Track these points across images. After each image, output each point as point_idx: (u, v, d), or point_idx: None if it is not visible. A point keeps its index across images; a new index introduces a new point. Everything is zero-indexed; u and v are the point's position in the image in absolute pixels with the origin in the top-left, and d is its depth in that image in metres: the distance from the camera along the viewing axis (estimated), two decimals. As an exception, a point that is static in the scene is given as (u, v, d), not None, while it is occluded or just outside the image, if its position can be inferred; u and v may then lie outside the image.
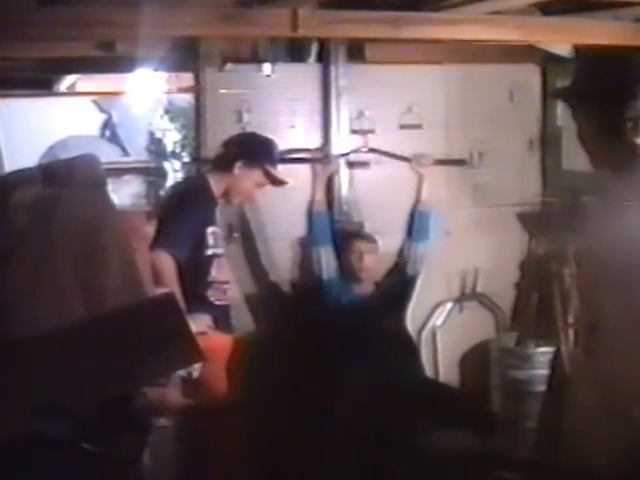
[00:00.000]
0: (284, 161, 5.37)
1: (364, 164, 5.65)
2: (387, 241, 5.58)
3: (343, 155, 5.64)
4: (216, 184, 5.02)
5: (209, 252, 4.91)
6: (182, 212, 4.86)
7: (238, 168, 4.99)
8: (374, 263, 5.41)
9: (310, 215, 5.46)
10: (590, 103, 2.75)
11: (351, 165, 5.66)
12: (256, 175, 5.02)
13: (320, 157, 5.54)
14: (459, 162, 5.71)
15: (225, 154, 5.14)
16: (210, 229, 4.92)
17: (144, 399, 3.10)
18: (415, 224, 5.54)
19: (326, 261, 5.39)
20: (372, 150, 5.66)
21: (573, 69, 2.95)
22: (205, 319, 4.73)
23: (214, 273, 4.92)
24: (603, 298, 2.60)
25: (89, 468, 2.73)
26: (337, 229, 5.58)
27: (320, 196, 5.49)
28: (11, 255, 2.83)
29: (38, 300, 2.81)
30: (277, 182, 5.08)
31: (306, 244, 5.49)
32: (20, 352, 2.67)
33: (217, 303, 4.94)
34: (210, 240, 4.91)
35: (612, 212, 2.62)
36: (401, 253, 5.56)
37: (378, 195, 5.68)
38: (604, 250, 2.59)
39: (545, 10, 5.42)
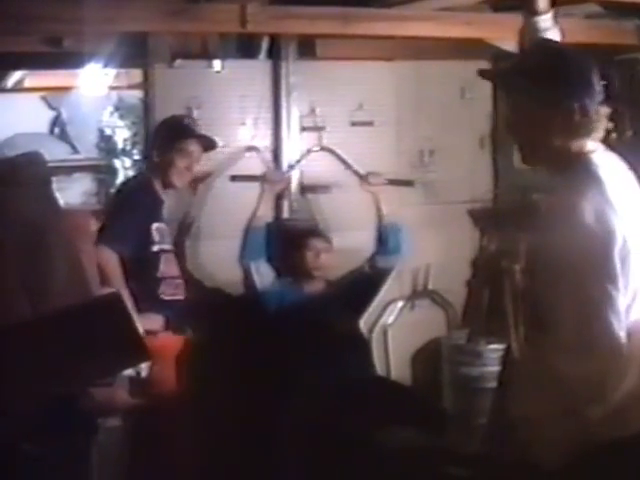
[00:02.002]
0: (235, 179, 5.43)
1: (323, 188, 5.65)
2: (345, 240, 5.56)
3: (295, 164, 5.62)
4: (156, 179, 4.99)
5: (155, 248, 4.88)
6: (124, 209, 4.88)
7: (159, 155, 4.99)
8: (329, 261, 5.39)
9: (247, 230, 5.41)
10: (523, 96, 2.74)
11: (307, 188, 5.67)
12: (181, 151, 4.96)
13: (270, 178, 5.49)
14: (408, 183, 5.66)
15: (150, 148, 5.18)
16: (155, 225, 4.89)
17: (90, 399, 3.07)
18: (384, 239, 5.50)
19: (258, 275, 5.35)
20: (324, 148, 5.64)
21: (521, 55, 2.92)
22: (157, 319, 4.71)
23: (163, 268, 4.89)
24: (551, 296, 2.60)
25: (31, 469, 2.70)
26: (291, 227, 5.55)
27: (262, 212, 5.45)
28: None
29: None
30: (205, 147, 5.05)
31: (239, 258, 5.42)
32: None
33: (170, 298, 4.89)
34: (156, 236, 4.87)
35: (557, 210, 2.62)
36: (369, 260, 5.53)
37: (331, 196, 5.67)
38: (551, 247, 2.59)
39: (495, 7, 5.44)
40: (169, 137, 5.02)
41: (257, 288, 5.36)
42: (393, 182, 5.59)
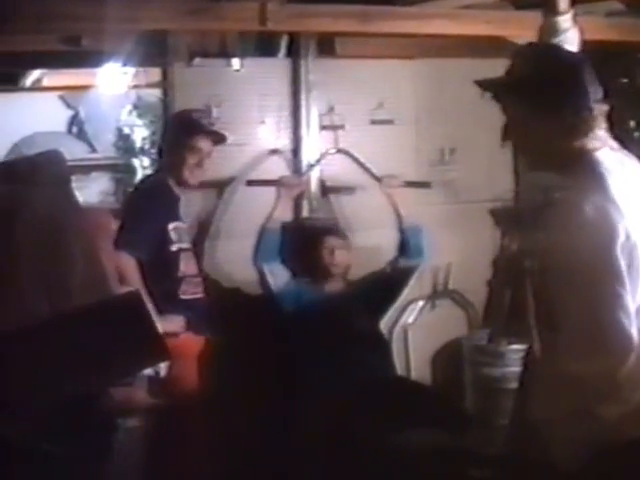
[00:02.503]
0: (251, 184, 5.42)
1: (343, 188, 5.64)
2: (367, 240, 5.57)
3: (311, 166, 5.60)
4: (170, 177, 4.97)
5: (174, 248, 4.85)
6: (140, 211, 4.85)
7: (169, 152, 5.00)
8: (346, 259, 5.36)
9: (261, 232, 5.38)
10: (527, 99, 2.72)
11: (327, 189, 5.65)
12: (191, 148, 4.93)
13: (287, 182, 5.47)
14: (425, 184, 5.63)
15: (161, 146, 5.20)
16: (171, 225, 4.86)
17: (109, 398, 3.06)
18: (405, 242, 5.48)
19: (272, 276, 5.32)
20: (340, 151, 5.62)
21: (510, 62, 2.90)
22: (178, 320, 4.69)
23: (182, 268, 4.87)
24: (561, 295, 2.58)
25: (52, 469, 2.69)
26: (306, 225, 5.54)
27: (277, 215, 5.42)
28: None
29: (1, 299, 2.77)
30: (215, 141, 5.03)
31: (252, 259, 5.39)
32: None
33: (190, 297, 4.87)
34: (173, 236, 4.85)
35: (559, 209, 2.60)
36: (391, 262, 5.50)
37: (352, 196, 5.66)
38: (557, 247, 2.57)
39: (516, 5, 5.41)
40: (178, 134, 5.01)
41: (272, 289, 5.33)
42: (410, 184, 5.56)
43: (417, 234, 5.47)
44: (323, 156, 5.61)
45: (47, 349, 2.66)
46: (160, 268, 4.77)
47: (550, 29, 3.62)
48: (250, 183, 5.45)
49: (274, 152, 5.55)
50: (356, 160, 5.61)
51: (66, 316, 2.78)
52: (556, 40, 3.58)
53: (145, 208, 4.86)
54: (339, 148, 5.62)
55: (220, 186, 5.41)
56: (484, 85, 2.85)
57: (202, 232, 5.37)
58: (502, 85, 2.82)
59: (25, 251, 2.85)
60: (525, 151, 2.81)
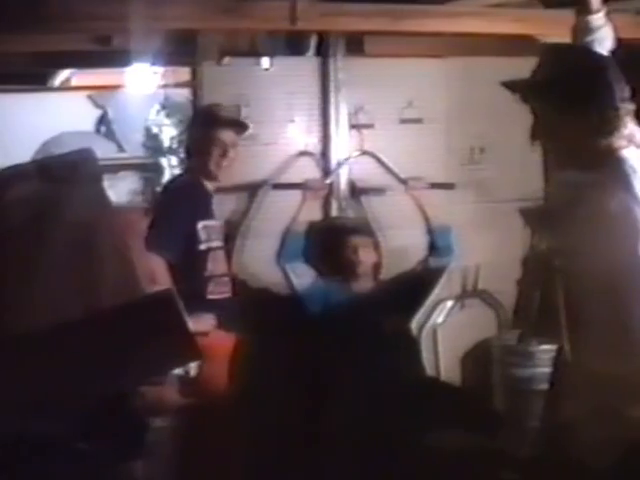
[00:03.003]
0: (276, 187, 5.45)
1: (372, 188, 5.64)
2: (396, 239, 5.56)
3: (337, 168, 5.61)
4: (199, 173, 4.98)
5: (202, 247, 4.85)
6: (169, 213, 4.86)
7: (194, 148, 5.03)
8: (372, 258, 5.35)
9: (285, 234, 5.38)
10: (553, 100, 2.71)
11: (356, 189, 5.65)
12: (213, 140, 4.95)
13: (312, 185, 5.47)
14: (449, 186, 5.61)
15: (188, 145, 5.21)
16: (201, 224, 4.85)
17: (141, 398, 3.06)
18: (434, 242, 5.46)
19: (295, 276, 5.33)
20: (366, 153, 5.61)
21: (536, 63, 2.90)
22: (208, 318, 4.68)
23: (211, 267, 4.87)
24: (593, 295, 2.57)
25: (86, 468, 2.69)
26: (334, 224, 5.54)
27: (302, 218, 5.41)
28: (5, 252, 2.78)
29: (33, 298, 2.77)
30: (237, 130, 5.04)
31: (276, 260, 5.39)
32: (14, 351, 2.62)
33: (218, 297, 4.87)
34: (202, 235, 4.85)
35: (584, 207, 2.59)
36: (421, 262, 5.48)
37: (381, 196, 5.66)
38: (592, 246, 2.56)
39: (546, 3, 5.38)
40: (200, 129, 5.05)
41: (296, 288, 5.32)
42: (434, 186, 5.54)
43: (445, 234, 5.46)
44: (348, 158, 5.60)
45: (81, 348, 2.66)
46: (188, 267, 4.77)
47: (583, 28, 3.60)
48: (276, 186, 5.47)
49: (304, 154, 5.56)
50: (381, 162, 5.60)
51: (100, 315, 2.77)
52: (589, 39, 3.55)
53: (174, 209, 4.86)
54: (364, 150, 5.62)
55: (252, 189, 5.44)
56: (511, 86, 2.86)
57: (232, 232, 5.38)
58: (529, 86, 2.82)
59: (57, 250, 2.85)
60: (553, 150, 2.83)
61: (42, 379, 2.59)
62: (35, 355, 2.62)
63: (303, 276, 5.32)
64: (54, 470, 2.62)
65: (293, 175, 5.50)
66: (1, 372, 2.57)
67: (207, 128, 4.97)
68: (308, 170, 5.55)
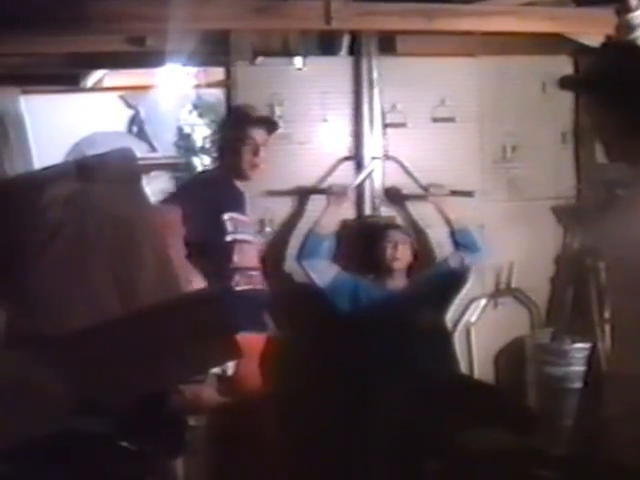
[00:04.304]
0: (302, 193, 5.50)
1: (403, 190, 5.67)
2: (427, 236, 5.62)
3: (365, 171, 5.60)
4: (231, 172, 5.02)
5: (229, 238, 4.85)
6: (188, 200, 4.76)
7: (226, 148, 5.06)
8: (408, 255, 5.36)
9: (307, 235, 5.37)
10: (606, 94, 2.71)
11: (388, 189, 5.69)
12: (242, 139, 4.97)
13: (336, 191, 5.45)
14: (468, 194, 5.56)
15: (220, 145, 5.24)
16: (227, 215, 4.86)
17: (180, 396, 3.08)
18: (460, 243, 5.43)
19: (315, 273, 5.31)
20: (389, 158, 5.61)
21: (589, 60, 2.91)
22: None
23: (237, 259, 4.86)
24: (626, 293, 2.56)
25: (128, 467, 2.70)
26: (370, 223, 5.56)
27: (325, 221, 5.40)
28: (46, 250, 2.80)
29: (72, 295, 2.79)
30: (268, 129, 5.07)
31: (296, 258, 5.38)
32: (57, 349, 2.64)
33: (246, 288, 4.86)
34: (229, 226, 4.86)
35: (635, 205, 2.58)
36: (447, 260, 5.47)
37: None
38: (633, 244, 2.55)
39: (578, 1, 5.37)
40: (231, 128, 5.09)
41: (317, 285, 5.32)
42: (454, 193, 5.52)
43: (467, 236, 5.41)
44: (373, 163, 5.60)
45: (123, 347, 2.67)
46: (213, 257, 4.78)
47: (625, 26, 3.61)
48: (301, 191, 5.52)
49: (348, 159, 5.62)
50: (403, 167, 5.58)
51: (140, 314, 2.79)
52: (632, 36, 3.56)
53: (194, 198, 4.81)
54: (388, 155, 5.62)
55: (290, 194, 5.52)
56: (565, 83, 2.86)
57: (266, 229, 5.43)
58: (582, 82, 2.82)
59: (96, 247, 2.87)
60: (608, 143, 2.80)
61: (85, 377, 2.61)
62: (78, 353, 2.64)
63: (324, 272, 5.32)
64: (98, 469, 2.64)
65: (332, 178, 5.55)
66: (44, 370, 2.59)
67: (239, 127, 5.00)
68: (346, 173, 5.58)
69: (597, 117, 2.75)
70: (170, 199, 4.87)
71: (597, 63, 2.87)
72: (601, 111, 2.77)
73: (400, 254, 5.31)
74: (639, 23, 3.59)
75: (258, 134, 4.99)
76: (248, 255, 4.93)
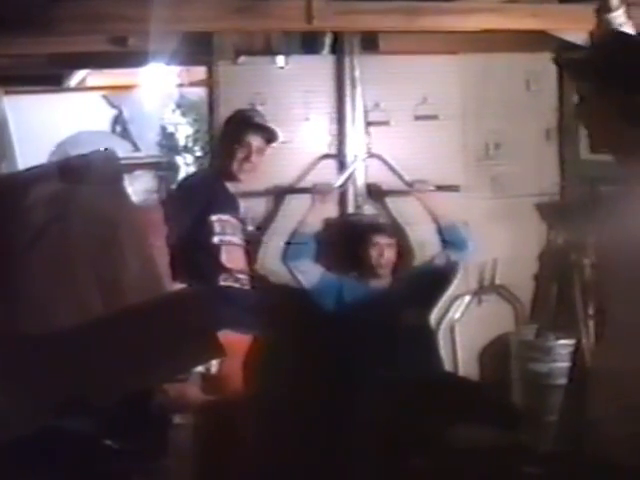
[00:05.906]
0: (287, 192, 5.50)
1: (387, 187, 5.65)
2: (411, 235, 5.60)
3: (349, 169, 5.59)
4: (221, 173, 5.04)
5: (215, 239, 4.87)
6: (178, 201, 4.93)
7: (221, 148, 5.11)
8: (393, 256, 5.35)
9: (293, 234, 5.36)
10: (602, 82, 2.71)
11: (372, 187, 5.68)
12: (239, 143, 5.00)
13: (320, 190, 5.45)
14: (454, 188, 5.56)
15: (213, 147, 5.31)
16: (214, 216, 4.88)
17: (164, 395, 3.08)
18: (445, 241, 5.42)
19: (300, 274, 5.31)
20: (373, 155, 5.61)
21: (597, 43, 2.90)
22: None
23: (224, 260, 4.88)
24: (613, 289, 2.56)
25: (113, 465, 2.71)
26: (354, 222, 5.55)
27: (310, 220, 5.40)
28: (29, 251, 2.81)
29: (56, 295, 2.80)
30: (267, 137, 5.08)
31: (281, 258, 5.38)
32: (40, 348, 2.65)
33: (228, 288, 4.86)
34: (216, 227, 4.88)
35: (628, 201, 2.58)
36: (434, 258, 5.46)
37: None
38: (620, 241, 2.55)
39: (561, -2, 5.38)
40: (229, 131, 5.11)
41: (304, 285, 5.32)
42: (440, 188, 5.53)
43: (455, 232, 5.41)
44: (356, 161, 5.59)
45: (105, 346, 2.68)
46: (199, 258, 4.79)
47: (605, 25, 3.61)
48: (286, 191, 5.52)
49: (327, 157, 5.60)
50: (388, 164, 5.58)
51: (123, 313, 2.80)
52: None
53: (184, 199, 4.92)
54: (371, 153, 5.61)
55: (274, 194, 5.52)
56: (564, 63, 2.84)
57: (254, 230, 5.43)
58: (586, 65, 2.81)
59: (79, 248, 2.88)
60: (592, 131, 2.79)
61: (68, 376, 2.62)
62: (61, 353, 2.65)
63: (309, 273, 5.32)
64: (83, 467, 2.64)
65: (315, 177, 5.53)
66: (28, 369, 2.59)
67: (238, 130, 5.03)
68: (329, 172, 5.57)
69: (593, 102, 2.73)
70: (166, 200, 4.89)
71: (607, 48, 2.86)
72: (600, 96, 2.76)
73: (386, 260, 5.31)
74: (620, 22, 3.60)
75: (255, 140, 5.02)
76: (235, 257, 4.95)
